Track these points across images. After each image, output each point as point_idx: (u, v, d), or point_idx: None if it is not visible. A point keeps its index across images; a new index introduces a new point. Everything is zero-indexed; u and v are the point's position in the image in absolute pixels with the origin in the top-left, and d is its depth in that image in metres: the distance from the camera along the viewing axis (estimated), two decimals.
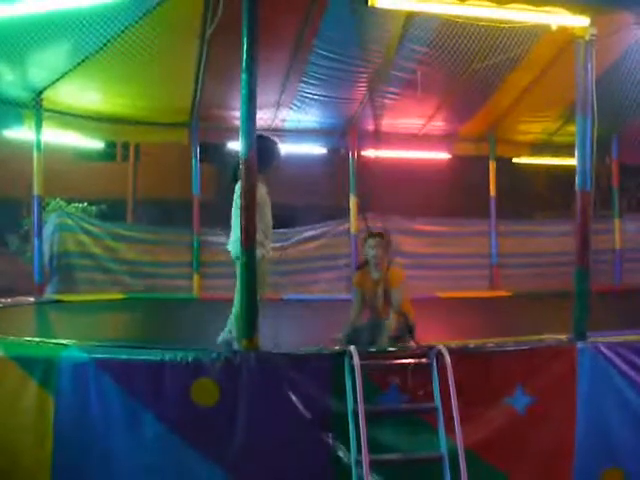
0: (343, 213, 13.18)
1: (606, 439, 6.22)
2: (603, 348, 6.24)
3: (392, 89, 11.46)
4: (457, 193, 21.34)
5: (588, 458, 6.17)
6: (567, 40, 6.49)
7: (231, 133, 12.28)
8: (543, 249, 13.56)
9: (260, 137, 5.90)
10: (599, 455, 6.20)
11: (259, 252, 5.91)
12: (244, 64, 5.54)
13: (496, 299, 12.58)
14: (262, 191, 6.27)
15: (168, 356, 5.55)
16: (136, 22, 8.88)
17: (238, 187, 5.94)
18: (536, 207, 22.87)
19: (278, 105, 11.86)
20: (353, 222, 12.93)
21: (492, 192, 13.79)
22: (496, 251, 13.70)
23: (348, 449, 5.38)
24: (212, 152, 19.11)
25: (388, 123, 12.62)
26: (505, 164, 15.23)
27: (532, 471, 6.02)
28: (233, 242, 6.27)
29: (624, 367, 6.26)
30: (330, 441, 5.58)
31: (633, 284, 13.61)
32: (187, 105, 11.90)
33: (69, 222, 12.43)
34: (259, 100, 5.68)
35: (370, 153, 13.21)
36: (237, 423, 5.52)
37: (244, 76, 5.54)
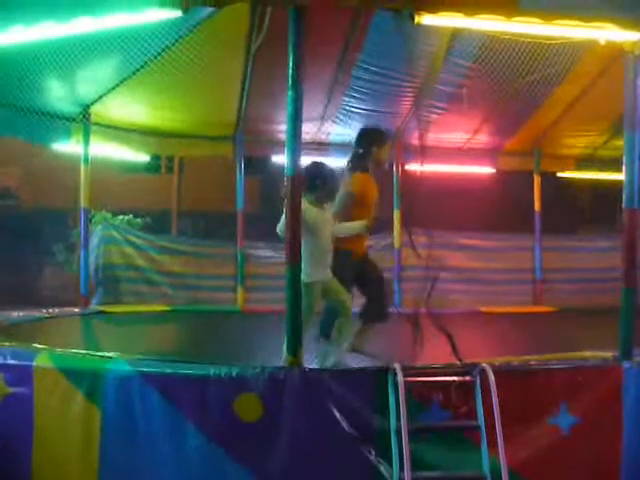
0: (386, 227, 13.16)
1: None
2: None
3: (437, 103, 11.43)
4: (501, 208, 21.20)
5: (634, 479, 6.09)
6: (614, 54, 6.42)
7: (275, 146, 12.38)
8: (588, 264, 13.43)
9: (313, 163, 6.31)
10: None
11: (306, 277, 6.00)
12: (290, 81, 5.57)
13: (540, 314, 12.48)
14: (311, 214, 6.31)
15: (212, 371, 5.58)
16: (183, 37, 8.99)
17: (306, 209, 6.07)
18: (580, 222, 22.68)
19: (322, 119, 11.91)
20: (396, 237, 12.91)
21: (537, 207, 13.70)
22: (540, 266, 13.58)
23: (390, 466, 5.36)
24: (256, 165, 19.23)
25: (433, 137, 12.56)
26: (550, 178, 15.13)
27: None
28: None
29: None
30: (372, 458, 5.55)
31: None
32: (232, 119, 12.00)
33: (114, 234, 12.59)
34: (304, 113, 5.72)
35: (414, 167, 13.18)
36: (280, 439, 5.52)
37: (290, 93, 5.58)
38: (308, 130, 11.89)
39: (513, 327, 10.71)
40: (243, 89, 10.88)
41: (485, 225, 15.95)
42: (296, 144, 5.60)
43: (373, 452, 5.55)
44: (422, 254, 6.29)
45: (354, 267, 7.06)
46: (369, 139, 7.47)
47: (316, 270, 6.43)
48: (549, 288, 13.61)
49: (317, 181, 6.47)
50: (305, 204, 6.08)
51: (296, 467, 5.54)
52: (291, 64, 5.59)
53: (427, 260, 6.18)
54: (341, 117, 11.89)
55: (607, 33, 6.07)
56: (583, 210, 24.11)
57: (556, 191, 20.87)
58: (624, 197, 6.27)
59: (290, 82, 5.59)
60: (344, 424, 5.55)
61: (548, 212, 14.11)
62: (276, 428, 5.53)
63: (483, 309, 12.48)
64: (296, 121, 5.59)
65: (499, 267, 13.48)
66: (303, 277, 5.87)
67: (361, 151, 7.33)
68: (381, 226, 13.48)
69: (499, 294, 13.24)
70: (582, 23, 5.96)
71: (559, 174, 14.91)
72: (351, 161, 7.47)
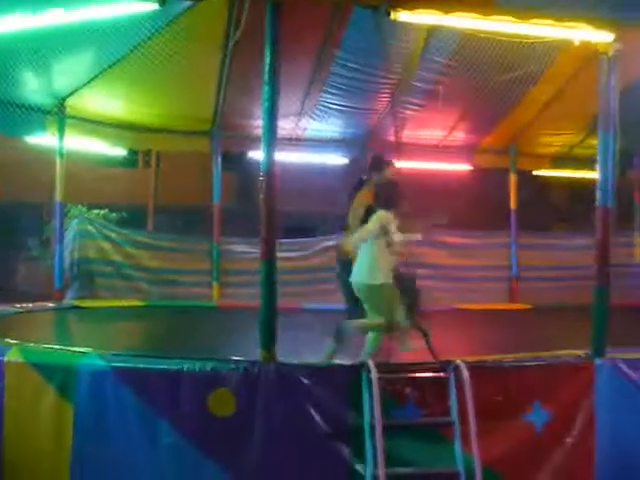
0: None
1: (625, 456, 6.18)
2: (621, 364, 6.21)
3: (414, 100, 11.46)
4: (478, 205, 21.26)
5: (608, 474, 6.13)
6: (590, 54, 6.47)
7: (253, 142, 12.34)
8: (563, 262, 13.48)
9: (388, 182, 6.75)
10: (618, 472, 6.16)
11: (378, 279, 6.27)
12: (266, 77, 5.57)
13: (515, 312, 12.54)
14: (391, 222, 6.39)
15: (186, 366, 5.56)
16: (160, 31, 8.96)
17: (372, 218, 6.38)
18: (556, 219, 22.80)
19: (300, 114, 11.89)
20: None
21: (513, 205, 13.76)
22: (516, 263, 13.65)
23: (365, 462, 5.37)
24: (234, 160, 19.15)
25: (409, 134, 12.62)
26: (526, 176, 15.20)
27: None
28: (358, 271, 6.47)
29: None
30: (347, 454, 5.56)
31: None
32: (209, 114, 11.97)
33: (90, 228, 12.50)
34: (281, 109, 5.71)
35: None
36: (254, 434, 5.52)
37: (266, 89, 5.57)
38: (285, 126, 11.88)
39: (488, 324, 10.76)
40: (220, 84, 10.86)
41: (462, 222, 15.99)
42: (272, 140, 5.60)
43: (348, 448, 5.56)
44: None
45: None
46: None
47: (387, 274, 6.46)
48: (525, 286, 13.66)
49: (393, 197, 6.61)
50: (385, 212, 6.36)
51: (270, 463, 5.54)
52: (268, 60, 5.58)
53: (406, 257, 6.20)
54: (319, 113, 11.87)
55: (581, 33, 6.16)
56: (559, 208, 24.22)
57: (533, 189, 20.98)
58: (598, 195, 6.32)
59: (267, 78, 5.58)
60: (318, 420, 5.56)
61: (525, 210, 14.17)
62: (250, 423, 5.53)
63: (459, 306, 12.51)
64: (272, 117, 5.59)
65: (475, 264, 13.51)
66: (375, 280, 6.26)
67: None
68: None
69: (475, 291, 13.28)
70: (557, 23, 6.04)
71: (535, 172, 14.94)
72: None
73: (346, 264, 6.91)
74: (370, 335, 6.62)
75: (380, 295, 6.35)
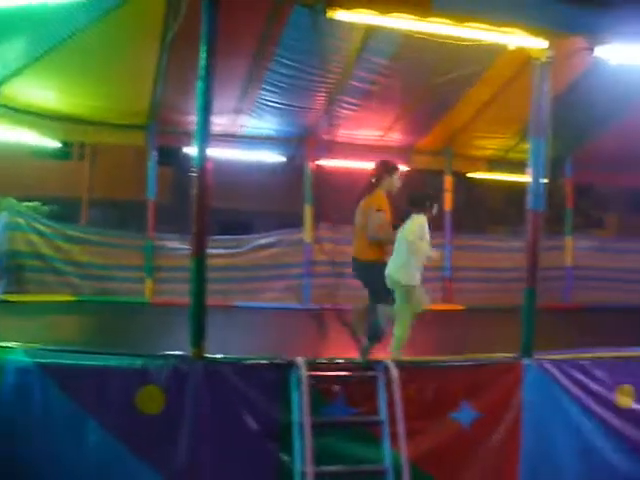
0: (298, 222, 13.16)
1: (549, 454, 6.34)
2: (548, 365, 6.35)
3: (351, 100, 11.48)
4: None
5: (532, 471, 6.28)
6: (525, 60, 6.57)
7: (189, 137, 12.19)
8: (496, 264, 13.67)
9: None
10: (542, 469, 6.32)
11: (412, 280, 6.69)
12: (201, 72, 5.52)
13: (448, 313, 12.65)
14: (423, 223, 6.83)
15: (114, 362, 5.49)
16: (95, 22, 8.78)
17: (410, 221, 6.81)
18: (491, 222, 23.09)
19: (237, 111, 11.81)
20: (307, 231, 12.92)
21: (447, 206, 13.88)
22: (450, 265, 13.78)
23: (294, 460, 5.37)
24: (170, 155, 18.99)
25: (346, 133, 12.65)
26: (462, 179, 15.38)
27: None
28: (396, 269, 6.79)
29: (568, 384, 6.41)
30: (276, 452, 5.56)
31: (582, 301, 13.84)
32: (145, 107, 11.81)
33: (20, 221, 12.25)
34: (218, 106, 5.69)
35: (327, 163, 13.22)
36: (182, 431, 5.49)
37: (201, 84, 5.53)
38: (223, 122, 11.80)
39: (421, 324, 10.82)
40: (157, 78, 10.70)
41: (397, 223, 16.08)
42: (205, 135, 5.56)
43: (277, 446, 5.56)
44: (329, 249, 6.34)
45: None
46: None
47: (419, 276, 6.81)
48: (459, 287, 13.80)
49: (427, 202, 7.04)
50: (422, 217, 6.83)
51: (199, 460, 5.51)
52: (203, 55, 5.54)
53: (332, 256, 6.21)
54: (256, 110, 11.81)
55: (516, 39, 6.24)
56: (495, 211, 24.51)
57: (469, 191, 21.24)
58: (529, 199, 6.42)
59: (201, 73, 5.54)
60: (247, 417, 5.56)
61: (461, 212, 14.32)
62: (179, 421, 5.49)
63: None
64: (206, 112, 5.55)
65: None
66: (408, 280, 6.66)
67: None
68: (292, 220, 13.56)
69: None
70: (493, 27, 6.11)
71: (470, 175, 15.10)
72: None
73: (362, 264, 7.17)
74: (397, 332, 6.75)
75: (407, 294, 6.70)
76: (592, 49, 6.73)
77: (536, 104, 6.42)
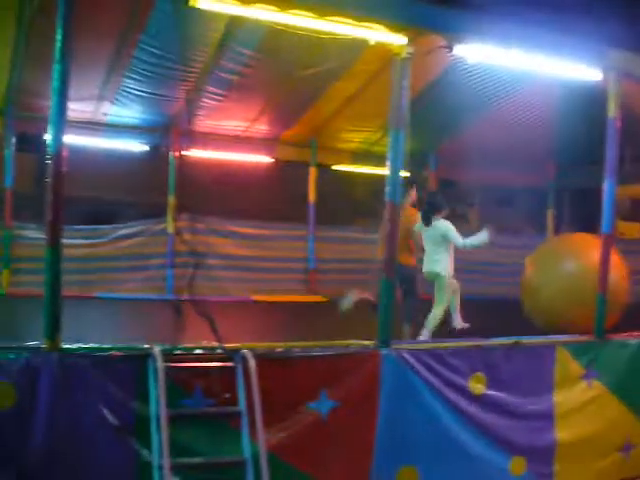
0: (163, 212, 13.00)
1: (403, 439, 6.49)
2: (405, 354, 6.48)
3: (217, 90, 11.40)
4: (281, 197, 21.52)
5: (386, 458, 6.40)
6: (389, 56, 6.68)
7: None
8: (360, 256, 13.86)
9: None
10: (396, 455, 6.46)
11: (446, 272, 8.54)
12: (57, 55, 5.32)
13: (311, 304, 12.78)
14: (447, 224, 8.50)
15: None
16: None
17: (440, 226, 8.52)
18: (356, 214, 23.42)
19: (100, 98, 11.51)
20: (170, 222, 12.77)
21: (311, 198, 14.02)
22: (313, 256, 13.90)
23: (152, 453, 5.28)
24: (32, 142, 18.35)
25: (211, 124, 12.59)
26: (328, 171, 15.54)
27: (336, 473, 6.15)
28: (432, 262, 8.63)
29: (424, 372, 6.55)
30: (134, 445, 5.45)
31: None
32: (2, 90, 11.32)
33: None
34: (80, 92, 5.54)
35: (192, 153, 13.12)
36: (35, 427, 5.28)
37: (57, 67, 5.32)
38: (86, 109, 11.51)
39: (284, 316, 10.91)
40: (15, 59, 10.23)
41: (264, 214, 16.14)
42: (61, 121, 5.36)
43: (134, 439, 5.45)
44: (189, 240, 6.28)
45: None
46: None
47: (452, 269, 8.64)
48: (322, 278, 13.94)
49: (443, 206, 8.68)
50: (445, 221, 8.56)
51: (55, 456, 5.32)
52: (59, 36, 5.33)
53: (192, 246, 6.15)
54: (120, 98, 11.55)
55: (377, 34, 6.34)
56: (361, 203, 24.83)
57: (336, 183, 21.46)
58: (387, 191, 6.55)
59: (57, 56, 5.33)
60: (104, 410, 5.40)
61: (327, 204, 14.47)
62: (32, 416, 5.29)
63: (255, 297, 12.61)
64: (62, 97, 5.34)
65: (273, 256, 13.66)
66: (445, 273, 8.51)
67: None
68: (157, 211, 13.38)
69: (273, 282, 13.44)
70: (354, 22, 6.18)
71: (335, 167, 15.27)
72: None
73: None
74: (436, 311, 8.56)
75: (445, 285, 8.59)
76: (451, 48, 6.89)
77: (396, 99, 6.53)
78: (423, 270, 8.78)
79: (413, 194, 9.23)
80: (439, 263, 8.54)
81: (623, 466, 7.81)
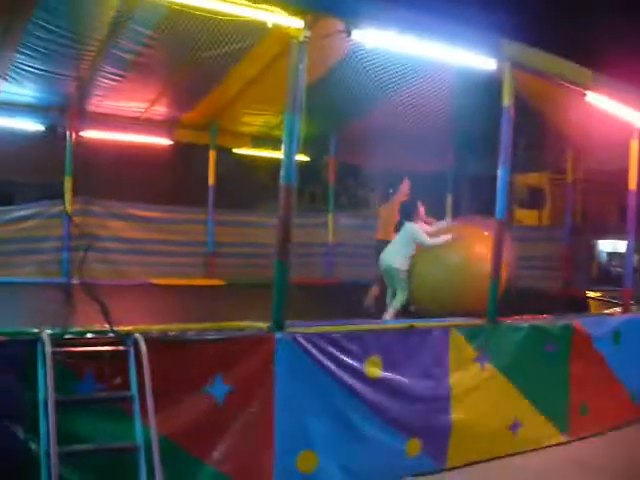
0: (59, 194, 12.68)
1: (302, 424, 6.55)
2: (300, 338, 6.53)
3: (115, 70, 11.14)
4: (181, 180, 21.33)
5: (286, 443, 6.44)
6: (288, 40, 6.67)
7: None
8: (258, 239, 13.85)
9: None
10: (295, 439, 6.51)
11: (403, 267, 9.58)
12: None
13: (209, 288, 12.73)
14: (416, 227, 9.67)
15: None
16: None
17: (408, 228, 9.69)
18: (257, 198, 23.41)
19: None
20: (67, 204, 12.46)
21: (211, 181, 13.96)
22: (212, 240, 13.85)
23: (40, 440, 5.16)
24: None
25: (109, 105, 12.36)
26: (229, 155, 15.48)
27: (234, 457, 6.15)
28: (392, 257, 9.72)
29: (319, 356, 6.63)
30: (22, 433, 5.32)
31: (341, 277, 14.40)
32: None
33: None
34: None
35: (90, 134, 12.85)
36: None
37: None
38: None
39: (182, 299, 10.84)
40: None
41: (164, 197, 15.97)
42: None
43: (23, 426, 5.31)
44: (80, 223, 6.15)
45: None
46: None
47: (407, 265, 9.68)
48: (221, 262, 13.90)
49: (414, 213, 9.95)
50: (413, 225, 9.70)
51: None
52: None
53: (83, 229, 6.03)
54: (13, 75, 11.15)
55: (274, 17, 6.33)
56: (262, 187, 24.80)
57: (237, 167, 21.39)
58: (282, 173, 6.57)
59: None
60: None
61: (229, 187, 14.41)
62: None
63: (154, 281, 12.48)
64: None
65: (172, 239, 13.54)
66: (402, 267, 9.55)
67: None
68: (52, 192, 13.07)
69: (171, 266, 13.32)
70: (252, 4, 6.16)
71: (236, 150, 15.19)
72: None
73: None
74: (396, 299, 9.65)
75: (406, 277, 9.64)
76: (349, 32, 6.93)
77: (292, 82, 6.55)
78: (380, 262, 9.83)
79: (405, 188, 10.99)
80: (398, 259, 9.62)
81: (512, 443, 8.09)
